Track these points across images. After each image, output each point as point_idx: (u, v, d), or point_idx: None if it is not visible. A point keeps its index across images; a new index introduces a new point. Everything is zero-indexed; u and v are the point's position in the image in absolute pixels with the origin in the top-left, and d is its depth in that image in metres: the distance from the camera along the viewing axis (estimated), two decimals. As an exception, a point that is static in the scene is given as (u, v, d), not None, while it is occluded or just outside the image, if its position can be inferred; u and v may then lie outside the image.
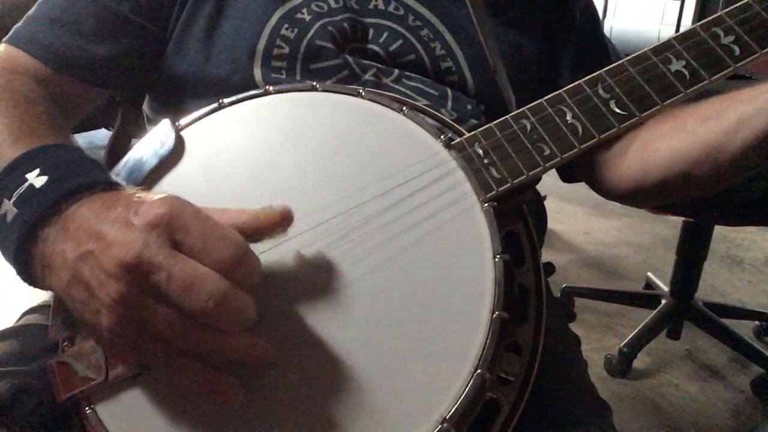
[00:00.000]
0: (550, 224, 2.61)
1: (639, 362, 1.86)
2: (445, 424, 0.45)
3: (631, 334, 1.86)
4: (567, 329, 0.79)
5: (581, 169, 0.83)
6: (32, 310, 0.70)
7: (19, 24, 0.69)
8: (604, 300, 2.18)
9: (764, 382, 1.78)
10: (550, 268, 0.90)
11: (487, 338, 0.48)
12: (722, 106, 0.63)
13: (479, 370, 0.47)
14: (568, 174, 0.86)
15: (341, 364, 0.48)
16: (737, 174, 0.64)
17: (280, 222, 0.47)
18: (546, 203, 0.94)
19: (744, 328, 2.03)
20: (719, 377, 1.85)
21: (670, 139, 0.68)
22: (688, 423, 1.65)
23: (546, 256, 0.88)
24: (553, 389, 0.63)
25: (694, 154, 0.64)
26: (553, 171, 0.86)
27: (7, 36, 0.68)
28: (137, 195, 0.46)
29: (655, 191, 0.72)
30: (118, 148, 0.60)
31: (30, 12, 0.70)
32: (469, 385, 0.46)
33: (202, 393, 0.46)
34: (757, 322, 2.10)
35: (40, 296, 0.70)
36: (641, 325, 1.89)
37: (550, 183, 0.88)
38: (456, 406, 0.46)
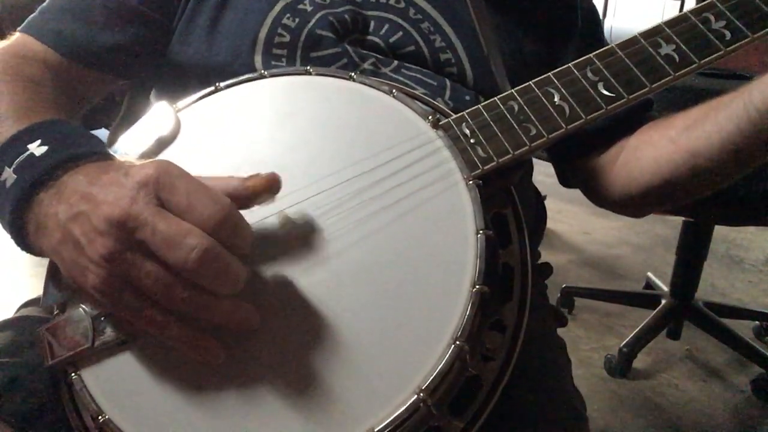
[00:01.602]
0: (550, 224, 2.62)
1: (639, 362, 1.85)
2: (422, 394, 0.45)
3: (631, 334, 1.86)
4: (553, 334, 0.79)
5: (576, 177, 0.84)
6: (28, 303, 0.71)
7: (32, 15, 0.72)
8: (604, 300, 2.18)
9: (764, 382, 1.78)
10: (547, 269, 0.89)
11: (466, 311, 0.48)
12: (703, 113, 0.65)
13: (458, 342, 0.47)
14: (565, 178, 0.87)
15: (323, 332, 0.49)
16: (717, 181, 0.67)
17: (267, 187, 0.48)
18: (546, 203, 0.94)
19: (744, 328, 2.03)
20: (719, 377, 1.85)
21: (654, 148, 0.70)
22: (688, 423, 1.65)
23: (546, 256, 0.88)
24: (529, 395, 0.63)
25: (676, 161, 0.67)
26: (554, 172, 0.87)
27: (22, 25, 0.71)
28: (130, 161, 0.49)
29: (641, 198, 0.74)
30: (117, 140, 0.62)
31: (43, 4, 0.72)
32: (447, 356, 0.47)
33: (182, 351, 0.47)
34: (757, 322, 2.09)
35: (37, 292, 0.70)
36: (641, 325, 1.89)
37: (550, 183, 0.88)
38: (433, 377, 0.46)
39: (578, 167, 0.82)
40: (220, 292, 0.45)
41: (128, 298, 0.45)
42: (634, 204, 0.76)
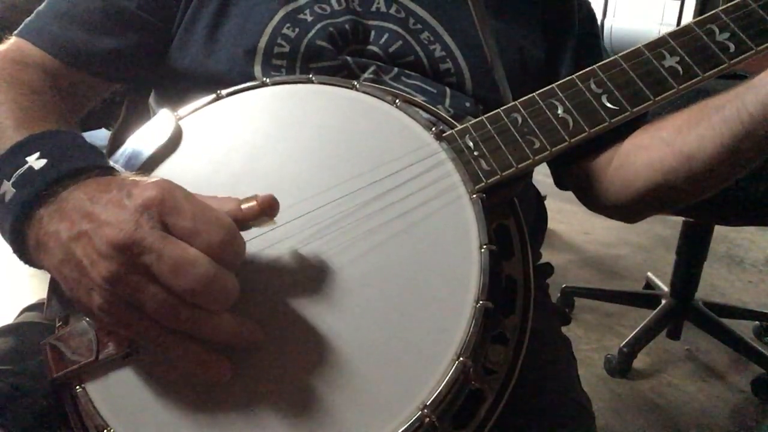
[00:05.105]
0: (551, 224, 2.61)
1: (639, 362, 1.86)
2: (426, 410, 0.46)
3: (631, 334, 1.86)
4: (557, 332, 0.80)
5: (571, 181, 0.84)
6: (31, 308, 0.71)
7: (29, 18, 0.71)
8: (604, 300, 2.18)
9: (764, 382, 1.78)
10: (548, 268, 0.90)
11: (470, 326, 0.48)
12: (696, 115, 0.64)
13: (461, 358, 0.47)
14: (560, 180, 0.87)
15: (326, 348, 0.49)
16: (713, 184, 0.66)
17: (264, 212, 0.48)
18: (546, 203, 0.94)
19: (744, 328, 2.03)
20: (719, 377, 1.85)
21: (647, 150, 0.70)
22: (688, 423, 1.65)
23: (546, 256, 0.88)
24: (535, 394, 0.64)
25: (671, 163, 0.66)
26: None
27: (18, 29, 0.70)
28: (131, 178, 0.48)
29: (636, 202, 0.73)
30: (119, 144, 0.61)
31: (40, 7, 0.72)
32: (451, 372, 0.47)
33: (190, 370, 0.47)
34: (757, 322, 2.10)
35: (38, 294, 0.70)
36: (641, 325, 1.89)
37: (550, 183, 0.88)
38: (437, 393, 0.46)
39: (572, 171, 0.82)
40: (215, 309, 0.45)
41: (132, 318, 0.45)
42: (630, 208, 0.76)
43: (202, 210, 0.45)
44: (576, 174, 0.81)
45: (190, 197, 0.46)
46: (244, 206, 0.47)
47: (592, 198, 0.80)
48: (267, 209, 0.48)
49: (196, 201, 0.45)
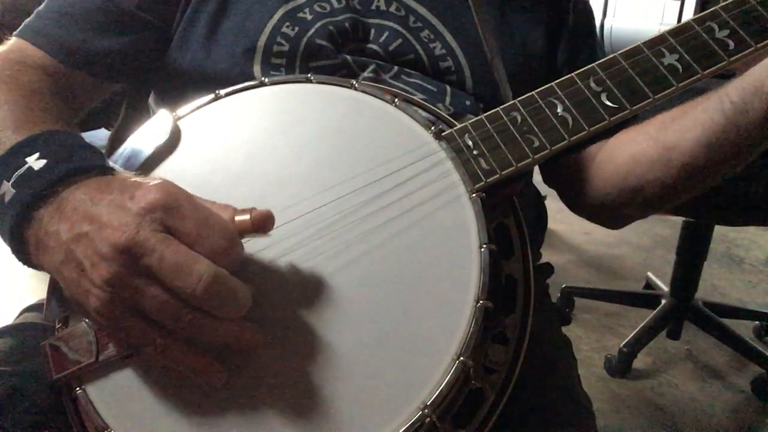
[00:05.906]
0: (550, 224, 2.61)
1: (639, 362, 1.86)
2: (426, 410, 0.46)
3: (631, 334, 1.86)
4: (557, 332, 0.80)
5: (555, 176, 0.83)
6: (31, 308, 0.71)
7: (29, 18, 0.71)
8: (604, 300, 2.18)
9: (764, 382, 1.78)
10: (548, 268, 0.89)
11: (470, 326, 0.48)
12: (682, 110, 0.65)
13: (462, 357, 0.47)
14: (548, 176, 0.86)
15: (326, 348, 0.49)
16: (692, 180, 0.65)
17: (257, 228, 0.48)
18: (546, 203, 0.94)
19: (744, 328, 2.03)
20: (719, 377, 1.85)
21: (631, 145, 0.70)
22: (688, 423, 1.65)
23: (546, 256, 0.88)
24: (535, 393, 0.64)
25: (652, 156, 0.66)
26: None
27: (18, 30, 0.70)
28: (132, 179, 0.48)
29: (616, 200, 0.72)
30: (118, 144, 0.61)
31: (40, 7, 0.72)
32: (452, 371, 0.47)
33: (183, 374, 0.47)
34: (757, 322, 2.10)
35: (38, 294, 0.70)
36: (641, 325, 1.89)
37: (550, 183, 0.88)
38: (438, 393, 0.46)
39: (558, 165, 0.81)
40: (225, 317, 0.45)
41: (130, 321, 0.45)
42: (609, 207, 0.75)
43: (206, 215, 0.45)
44: (560, 169, 0.80)
45: (192, 201, 0.46)
46: (237, 218, 0.47)
47: (574, 195, 0.79)
48: (260, 226, 0.47)
49: (198, 205, 0.46)
